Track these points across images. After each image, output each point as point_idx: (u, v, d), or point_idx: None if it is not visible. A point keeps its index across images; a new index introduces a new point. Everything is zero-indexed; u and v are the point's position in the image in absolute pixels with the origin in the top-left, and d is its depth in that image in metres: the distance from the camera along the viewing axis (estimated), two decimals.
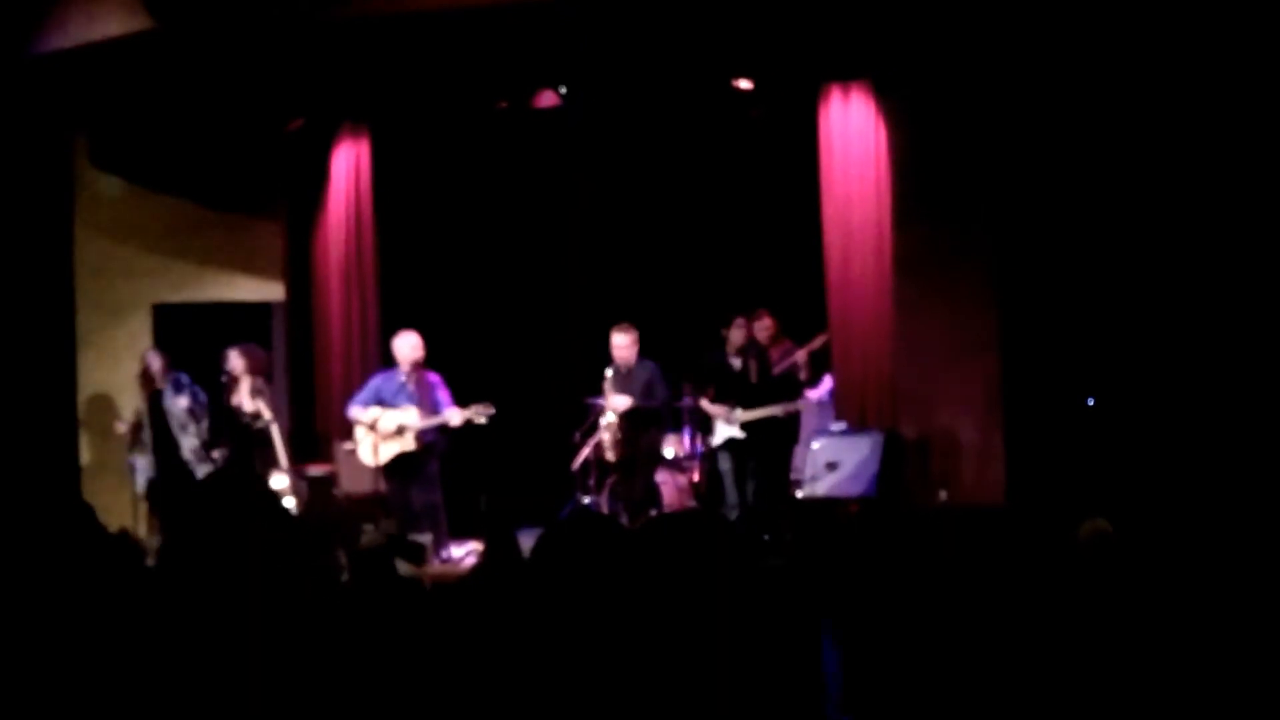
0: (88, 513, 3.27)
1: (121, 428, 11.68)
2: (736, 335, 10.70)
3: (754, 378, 10.60)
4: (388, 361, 11.48)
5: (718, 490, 10.76)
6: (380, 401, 10.71)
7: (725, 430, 10.57)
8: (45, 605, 3.02)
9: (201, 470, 11.20)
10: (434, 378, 10.78)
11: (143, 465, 11.51)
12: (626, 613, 2.70)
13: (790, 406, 10.62)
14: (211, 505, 2.77)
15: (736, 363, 10.63)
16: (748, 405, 10.53)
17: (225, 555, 2.61)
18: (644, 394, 10.60)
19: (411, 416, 10.59)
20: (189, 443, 11.25)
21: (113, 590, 3.19)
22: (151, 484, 11.45)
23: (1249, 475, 9.18)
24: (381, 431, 10.69)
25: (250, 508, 2.77)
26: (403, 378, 10.75)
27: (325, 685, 2.62)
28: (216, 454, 11.22)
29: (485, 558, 6.89)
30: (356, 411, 10.82)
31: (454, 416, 10.51)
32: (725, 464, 10.63)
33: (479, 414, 10.47)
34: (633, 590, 2.71)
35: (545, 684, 2.69)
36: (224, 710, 2.56)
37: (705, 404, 10.67)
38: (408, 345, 10.76)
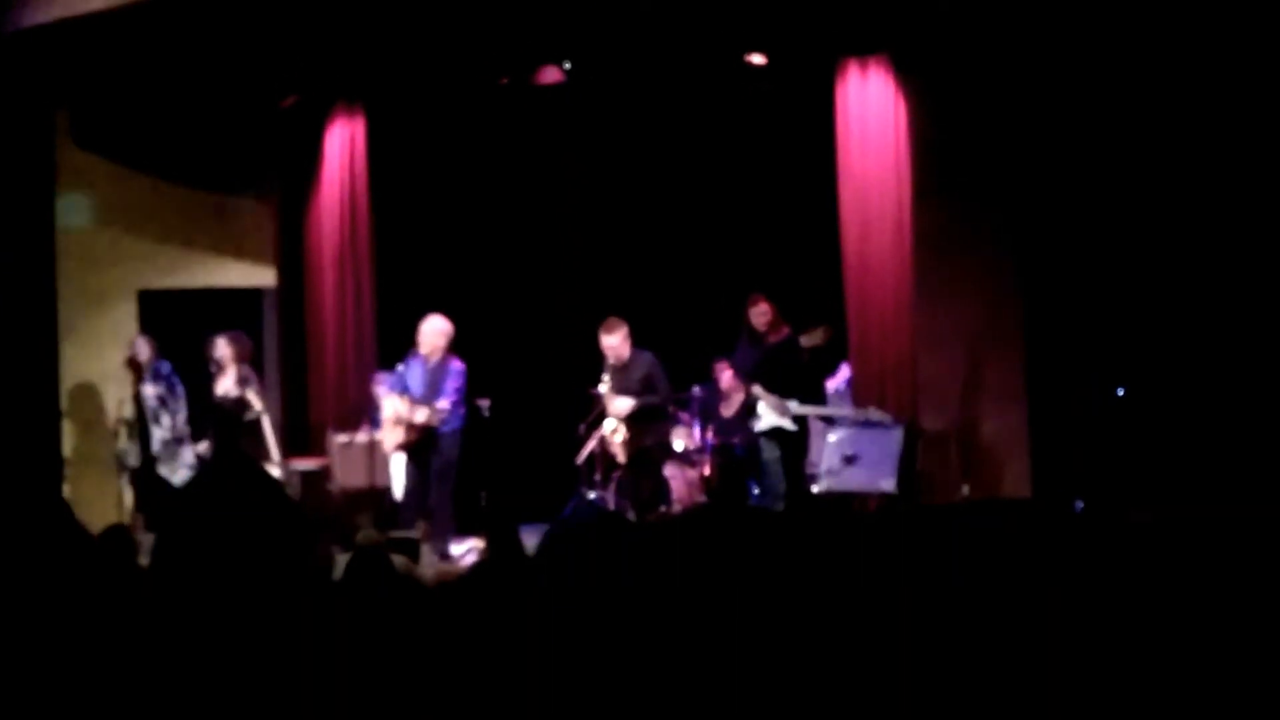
0: (65, 510, 3.32)
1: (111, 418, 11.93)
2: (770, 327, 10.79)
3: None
4: (384, 350, 11.68)
5: (740, 486, 10.44)
6: (405, 386, 10.74)
7: (773, 420, 10.49)
8: (27, 604, 3.01)
9: (168, 464, 11.38)
10: (455, 367, 10.72)
11: (133, 456, 11.74)
12: (635, 612, 2.73)
13: (856, 413, 10.76)
14: (209, 494, 2.77)
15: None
16: (804, 400, 10.55)
17: (224, 546, 2.61)
18: (643, 387, 10.64)
19: (404, 406, 10.62)
20: (159, 434, 11.40)
21: (99, 588, 3.18)
22: (134, 473, 11.63)
23: None
24: (385, 419, 10.89)
25: (250, 495, 2.76)
26: (423, 363, 10.71)
27: (318, 682, 2.62)
28: (200, 448, 11.34)
29: (487, 556, 6.86)
30: (381, 394, 11.01)
31: (418, 415, 10.49)
32: (772, 452, 10.51)
33: (430, 418, 10.44)
34: (646, 589, 2.75)
35: (546, 684, 2.71)
36: (216, 707, 2.58)
37: (759, 390, 10.55)
38: (424, 330, 10.70)
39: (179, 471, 11.37)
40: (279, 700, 2.52)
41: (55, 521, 3.25)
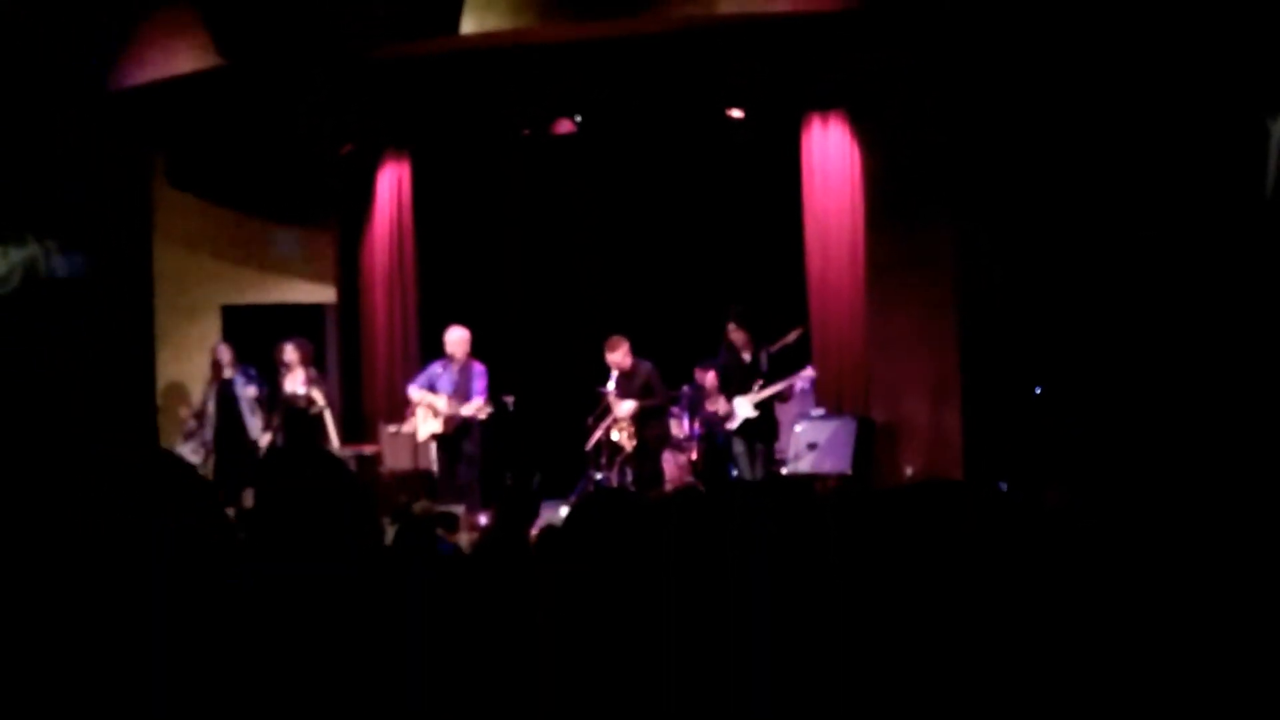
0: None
1: (185, 413, 12.42)
2: (738, 337, 11.23)
3: (764, 367, 11.05)
4: (426, 356, 12.14)
5: (721, 468, 11.36)
6: (431, 385, 11.40)
7: (742, 414, 10.90)
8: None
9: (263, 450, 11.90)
10: (479, 369, 11.28)
11: (187, 451, 12.02)
12: (642, 571, 2.77)
13: (787, 383, 11.02)
14: (286, 472, 2.86)
15: (746, 356, 11.13)
16: (762, 389, 10.98)
17: (302, 513, 2.66)
18: (643, 392, 11.16)
19: (441, 402, 11.29)
20: (256, 425, 12.05)
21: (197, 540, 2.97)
22: (219, 465, 12.06)
23: (1183, 456, 9.21)
24: (421, 412, 11.50)
25: (324, 472, 2.85)
26: (449, 366, 11.36)
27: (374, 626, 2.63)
28: (267, 437, 12.00)
29: (494, 527, 7.59)
30: (411, 391, 11.57)
31: (465, 409, 11.13)
32: (739, 447, 10.98)
33: (479, 411, 11.16)
34: (650, 559, 2.78)
35: (560, 625, 2.79)
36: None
37: (737, 400, 11.00)
38: (451, 338, 11.41)
39: None
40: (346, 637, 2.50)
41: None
